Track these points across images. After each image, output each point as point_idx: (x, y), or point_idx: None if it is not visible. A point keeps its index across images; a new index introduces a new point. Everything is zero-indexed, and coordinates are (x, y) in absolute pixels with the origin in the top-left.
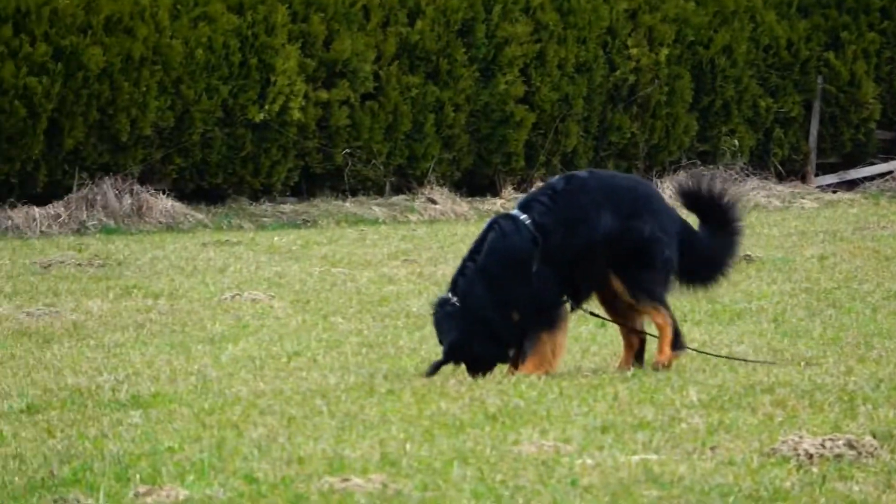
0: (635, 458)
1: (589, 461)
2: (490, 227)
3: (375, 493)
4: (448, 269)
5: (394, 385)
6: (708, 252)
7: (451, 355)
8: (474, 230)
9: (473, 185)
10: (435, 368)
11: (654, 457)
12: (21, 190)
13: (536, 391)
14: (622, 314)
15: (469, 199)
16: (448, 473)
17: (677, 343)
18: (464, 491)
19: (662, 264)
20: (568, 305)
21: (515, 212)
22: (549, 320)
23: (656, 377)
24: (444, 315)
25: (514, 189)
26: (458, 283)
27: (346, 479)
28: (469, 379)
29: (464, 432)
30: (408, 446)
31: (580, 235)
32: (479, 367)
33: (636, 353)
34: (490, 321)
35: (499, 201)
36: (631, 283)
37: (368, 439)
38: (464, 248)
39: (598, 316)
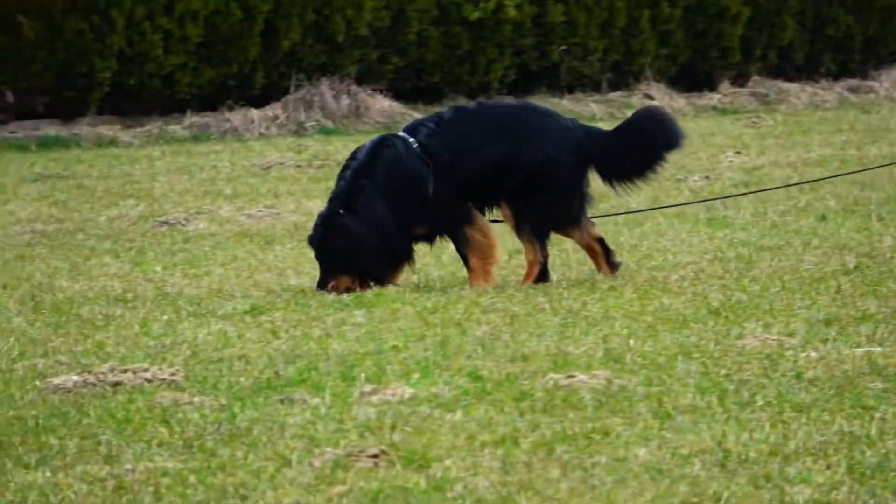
0: (859, 350)
1: (813, 354)
2: (381, 146)
3: (600, 389)
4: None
5: (615, 281)
6: (627, 147)
7: (346, 270)
8: (692, 125)
9: (690, 80)
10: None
11: (878, 349)
12: (239, 92)
13: (759, 285)
14: None
15: (685, 94)
16: (672, 368)
17: (543, 278)
18: (688, 385)
19: (562, 188)
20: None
21: (402, 134)
22: (464, 217)
23: (878, 270)
24: (338, 229)
25: (730, 84)
26: (358, 199)
27: (571, 376)
28: (691, 274)
29: (687, 327)
30: (631, 342)
31: (467, 162)
32: (372, 279)
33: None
34: (391, 236)
35: (716, 96)
36: (519, 213)
37: (591, 336)
38: None
39: None
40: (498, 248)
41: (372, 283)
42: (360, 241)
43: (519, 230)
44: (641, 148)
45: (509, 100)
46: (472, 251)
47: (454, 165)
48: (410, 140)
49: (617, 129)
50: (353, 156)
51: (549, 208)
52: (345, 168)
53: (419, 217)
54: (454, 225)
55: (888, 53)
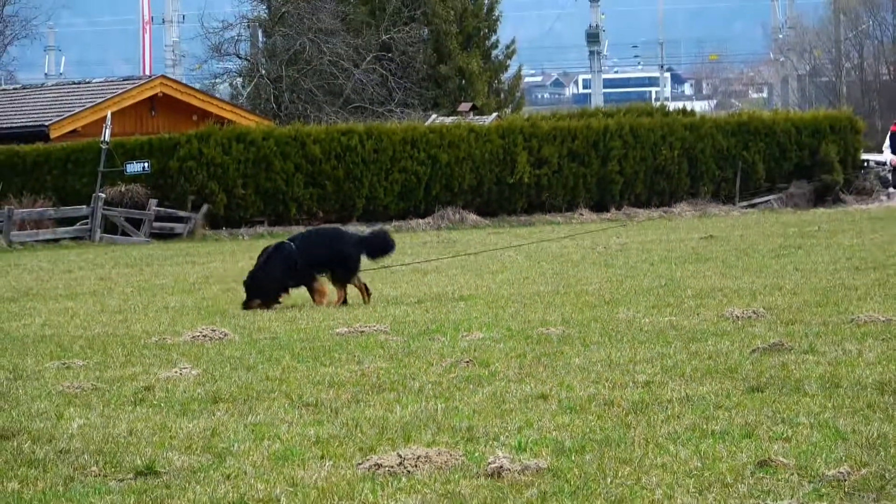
0: (665, 318)
1: (647, 321)
2: (282, 246)
3: (559, 333)
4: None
5: (559, 293)
6: (376, 243)
7: (258, 296)
8: (603, 226)
9: (598, 206)
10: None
11: (673, 318)
12: (414, 212)
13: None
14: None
15: (596, 213)
16: (588, 327)
17: (344, 302)
18: (595, 332)
19: (353, 265)
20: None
21: (287, 242)
22: (311, 279)
23: (675, 288)
24: (258, 278)
25: (615, 209)
26: (271, 266)
27: (549, 328)
28: (580, 288)
29: (598, 308)
30: (572, 316)
31: (317, 255)
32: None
33: (367, 293)
34: (280, 284)
35: (608, 213)
36: (335, 275)
37: (557, 312)
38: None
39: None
40: (327, 292)
41: (271, 304)
42: (267, 283)
43: (335, 281)
44: (382, 246)
45: (517, 217)
46: (316, 293)
47: (311, 256)
48: (292, 244)
49: (371, 236)
50: (266, 249)
51: (347, 273)
52: (263, 252)
53: (293, 278)
54: (309, 282)
55: (680, 196)
